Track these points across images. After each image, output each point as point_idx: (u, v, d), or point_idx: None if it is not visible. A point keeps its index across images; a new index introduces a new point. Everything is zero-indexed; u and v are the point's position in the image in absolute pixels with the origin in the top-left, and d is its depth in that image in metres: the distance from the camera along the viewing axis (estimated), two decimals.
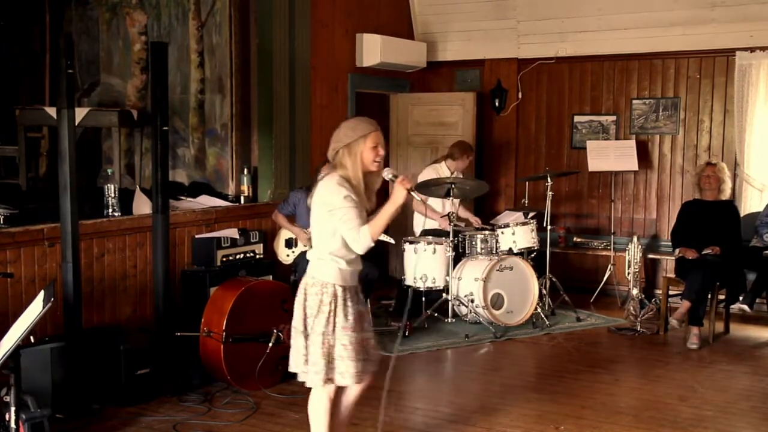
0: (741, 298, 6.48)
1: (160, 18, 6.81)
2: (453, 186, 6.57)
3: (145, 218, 5.50)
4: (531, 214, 7.25)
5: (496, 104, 8.55)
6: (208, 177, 6.67)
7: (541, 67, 8.37)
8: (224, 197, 6.51)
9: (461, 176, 7.16)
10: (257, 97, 6.62)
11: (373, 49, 7.74)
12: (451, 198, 6.63)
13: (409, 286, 6.69)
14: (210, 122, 6.63)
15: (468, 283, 6.51)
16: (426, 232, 7.06)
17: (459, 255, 6.83)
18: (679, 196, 7.75)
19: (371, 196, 3.63)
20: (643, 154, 7.87)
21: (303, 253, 6.05)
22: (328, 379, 3.52)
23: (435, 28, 8.66)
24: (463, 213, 7.29)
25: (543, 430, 4.48)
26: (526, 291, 6.67)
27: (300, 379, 3.62)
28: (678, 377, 5.45)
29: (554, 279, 7.12)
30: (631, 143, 7.81)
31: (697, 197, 6.75)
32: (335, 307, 3.51)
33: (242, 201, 6.49)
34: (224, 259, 5.80)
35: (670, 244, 6.95)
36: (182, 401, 4.84)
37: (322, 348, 3.49)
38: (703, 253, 6.39)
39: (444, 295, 6.60)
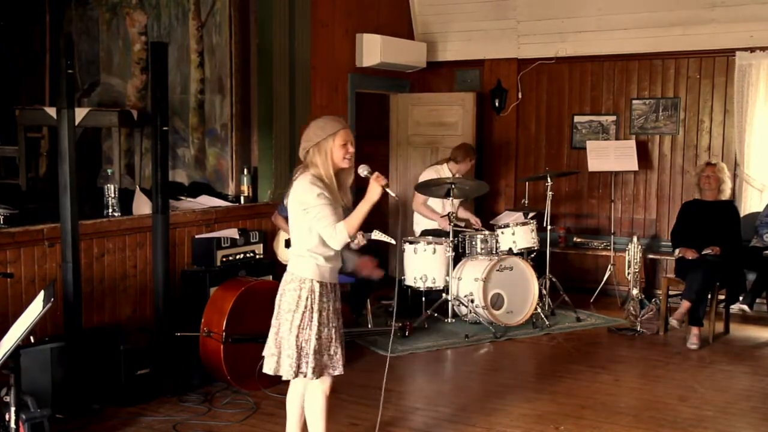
0: (741, 298, 6.49)
1: (160, 18, 6.81)
2: (453, 186, 6.58)
3: (145, 218, 5.50)
4: (531, 215, 7.25)
5: (496, 104, 8.55)
6: (208, 177, 6.67)
7: (541, 67, 8.37)
8: (224, 197, 6.51)
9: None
10: (257, 97, 6.62)
11: (373, 49, 7.74)
12: (451, 198, 6.63)
13: (409, 287, 6.70)
14: (210, 122, 6.63)
15: (468, 283, 6.51)
16: (426, 232, 7.06)
17: (459, 255, 6.83)
18: (679, 196, 7.74)
19: (345, 192, 3.70)
20: (643, 154, 7.87)
21: None
22: (299, 372, 3.60)
23: (435, 28, 8.66)
24: (463, 213, 7.28)
25: (543, 430, 4.48)
26: (526, 291, 6.67)
27: (266, 368, 3.66)
28: (678, 377, 5.45)
29: (554, 279, 7.11)
30: (631, 143, 7.81)
31: (697, 197, 6.74)
32: (311, 302, 3.59)
33: (242, 201, 6.48)
34: (224, 259, 5.80)
35: (670, 244, 6.95)
36: (182, 401, 4.84)
37: (297, 341, 3.58)
38: (703, 253, 6.38)
39: (444, 295, 6.60)
